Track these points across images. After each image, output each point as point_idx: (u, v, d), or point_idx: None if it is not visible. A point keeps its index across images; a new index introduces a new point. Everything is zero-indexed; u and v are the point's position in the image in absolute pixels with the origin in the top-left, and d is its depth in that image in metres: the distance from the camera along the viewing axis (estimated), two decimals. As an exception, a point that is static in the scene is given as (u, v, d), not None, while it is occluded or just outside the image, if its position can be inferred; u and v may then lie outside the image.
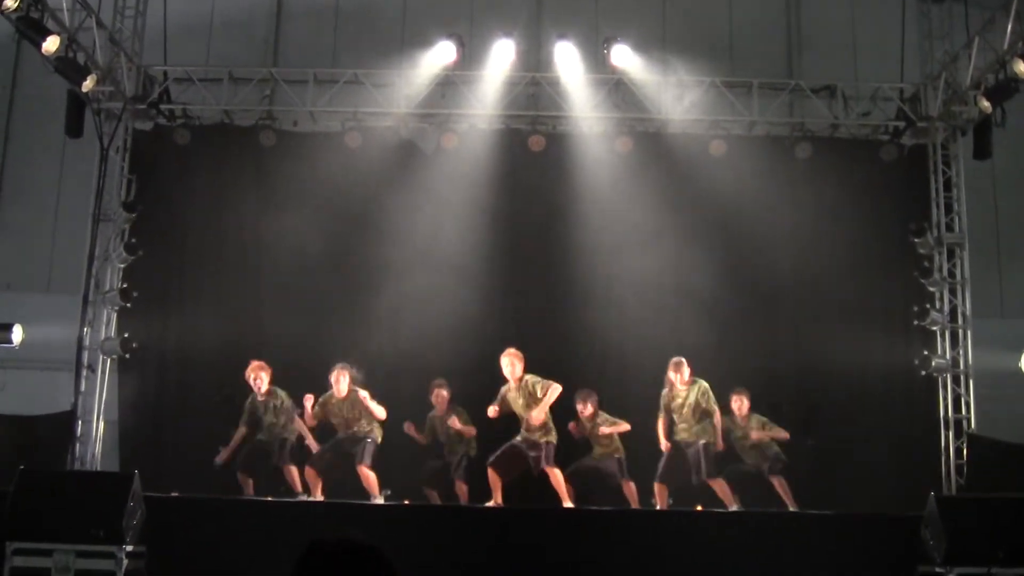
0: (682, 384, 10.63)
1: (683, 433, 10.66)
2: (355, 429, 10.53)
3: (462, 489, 10.78)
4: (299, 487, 10.48)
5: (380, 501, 10.30)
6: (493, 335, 11.70)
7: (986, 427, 12.42)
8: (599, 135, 13.04)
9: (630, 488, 10.61)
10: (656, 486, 10.59)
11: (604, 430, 10.70)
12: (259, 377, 10.66)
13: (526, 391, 10.33)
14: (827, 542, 9.21)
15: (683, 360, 10.66)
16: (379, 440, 10.51)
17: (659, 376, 10.86)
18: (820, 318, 12.47)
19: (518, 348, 10.59)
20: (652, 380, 11.17)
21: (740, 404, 10.91)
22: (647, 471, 10.73)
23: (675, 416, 10.72)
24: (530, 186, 12.93)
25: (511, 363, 10.43)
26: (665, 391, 10.78)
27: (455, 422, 10.74)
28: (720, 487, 10.52)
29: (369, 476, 10.32)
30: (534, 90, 13.27)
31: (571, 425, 10.76)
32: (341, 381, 10.52)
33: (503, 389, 10.51)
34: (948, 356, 12.72)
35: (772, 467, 10.75)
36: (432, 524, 9.74)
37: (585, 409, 10.67)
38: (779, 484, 10.67)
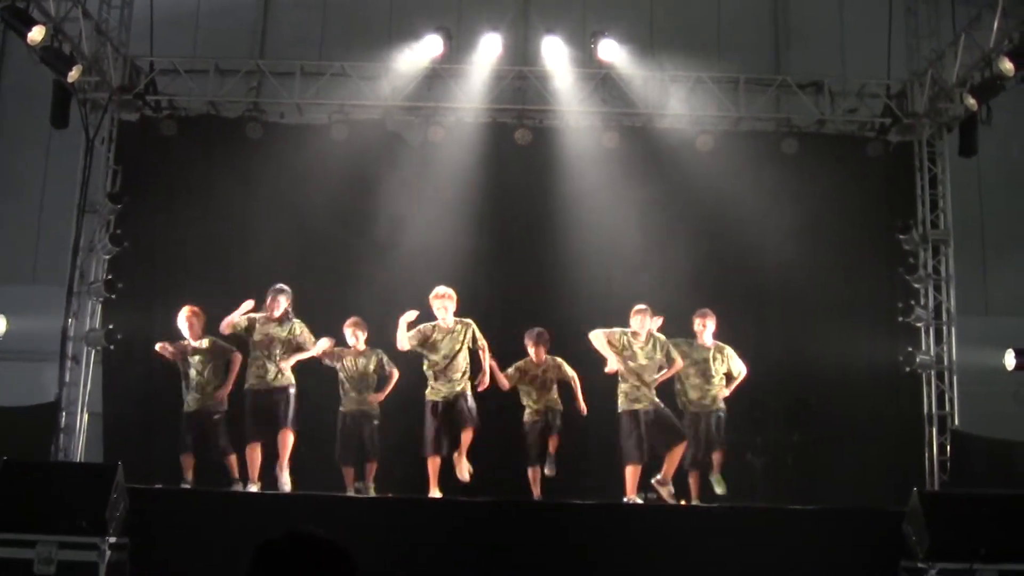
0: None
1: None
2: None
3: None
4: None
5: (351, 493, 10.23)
6: (479, 326, 11.67)
7: (969, 423, 12.49)
8: (586, 129, 13.07)
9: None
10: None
11: None
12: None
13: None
14: (810, 536, 9.20)
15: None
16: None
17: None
18: (805, 313, 12.50)
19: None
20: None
21: None
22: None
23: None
24: (516, 180, 12.94)
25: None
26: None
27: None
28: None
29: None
30: (521, 84, 13.29)
31: None
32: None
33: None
34: (932, 352, 12.77)
35: None
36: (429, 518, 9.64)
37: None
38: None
